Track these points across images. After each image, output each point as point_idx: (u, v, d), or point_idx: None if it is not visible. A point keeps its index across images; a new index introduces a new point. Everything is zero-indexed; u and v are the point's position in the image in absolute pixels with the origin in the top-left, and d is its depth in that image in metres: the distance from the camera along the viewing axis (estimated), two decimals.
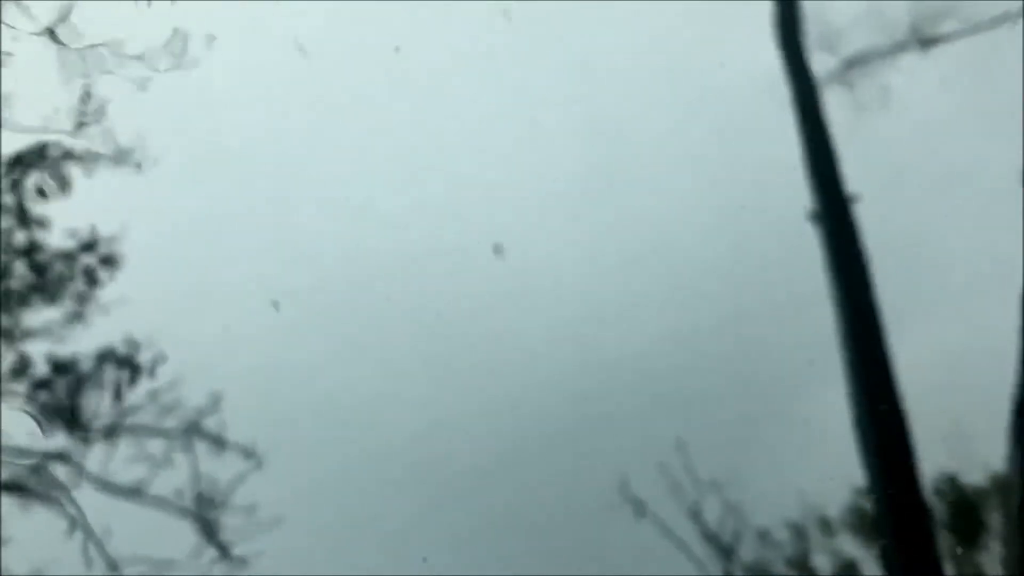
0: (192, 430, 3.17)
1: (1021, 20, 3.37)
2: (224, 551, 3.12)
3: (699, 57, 3.40)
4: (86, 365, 3.22)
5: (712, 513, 3.18)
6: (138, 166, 3.34)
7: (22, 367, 3.21)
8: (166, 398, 3.20)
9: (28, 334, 3.25)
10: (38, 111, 3.37)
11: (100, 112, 3.36)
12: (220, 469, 3.18)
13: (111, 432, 3.18)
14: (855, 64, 3.43)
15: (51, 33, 3.38)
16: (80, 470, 3.15)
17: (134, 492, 3.14)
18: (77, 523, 3.12)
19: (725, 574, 3.17)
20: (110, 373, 3.20)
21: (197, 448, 3.17)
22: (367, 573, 3.08)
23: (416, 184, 3.38)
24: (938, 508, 3.19)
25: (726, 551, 3.17)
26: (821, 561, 3.21)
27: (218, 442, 3.17)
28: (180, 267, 3.30)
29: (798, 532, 3.20)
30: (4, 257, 3.29)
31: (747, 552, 3.18)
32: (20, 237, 3.31)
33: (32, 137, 3.36)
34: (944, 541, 3.17)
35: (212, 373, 3.22)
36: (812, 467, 3.20)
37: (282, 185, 3.37)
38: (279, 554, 3.13)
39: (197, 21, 3.42)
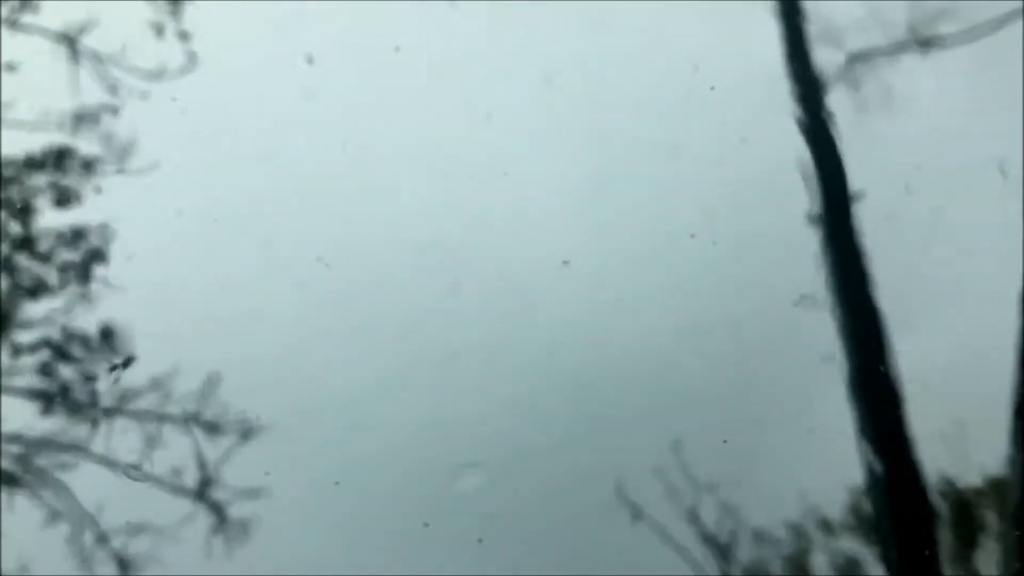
0: (192, 417, 3.19)
1: (1022, 20, 3.36)
2: (222, 518, 3.13)
3: (700, 56, 3.40)
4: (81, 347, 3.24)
5: (710, 515, 3.17)
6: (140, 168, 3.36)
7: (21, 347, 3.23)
8: (166, 384, 3.21)
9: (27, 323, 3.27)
10: (40, 110, 3.39)
11: (103, 113, 3.38)
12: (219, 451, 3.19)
13: (109, 414, 3.19)
14: (858, 62, 3.43)
15: (60, 36, 3.40)
16: (77, 451, 3.16)
17: (132, 469, 3.15)
18: (71, 507, 3.13)
19: None
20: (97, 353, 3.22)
21: (197, 431, 3.19)
22: (366, 573, 3.08)
23: (416, 184, 3.39)
24: (939, 509, 3.17)
25: (724, 553, 3.16)
26: (821, 563, 3.19)
27: (215, 427, 3.18)
28: (179, 265, 3.31)
29: (797, 533, 3.19)
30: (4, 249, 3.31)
31: (745, 554, 3.17)
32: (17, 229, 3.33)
33: (35, 137, 3.37)
34: (945, 542, 3.15)
35: (211, 371, 3.23)
36: (812, 468, 3.18)
37: (281, 185, 3.37)
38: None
39: (197, 20, 3.44)
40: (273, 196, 3.35)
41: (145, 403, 3.19)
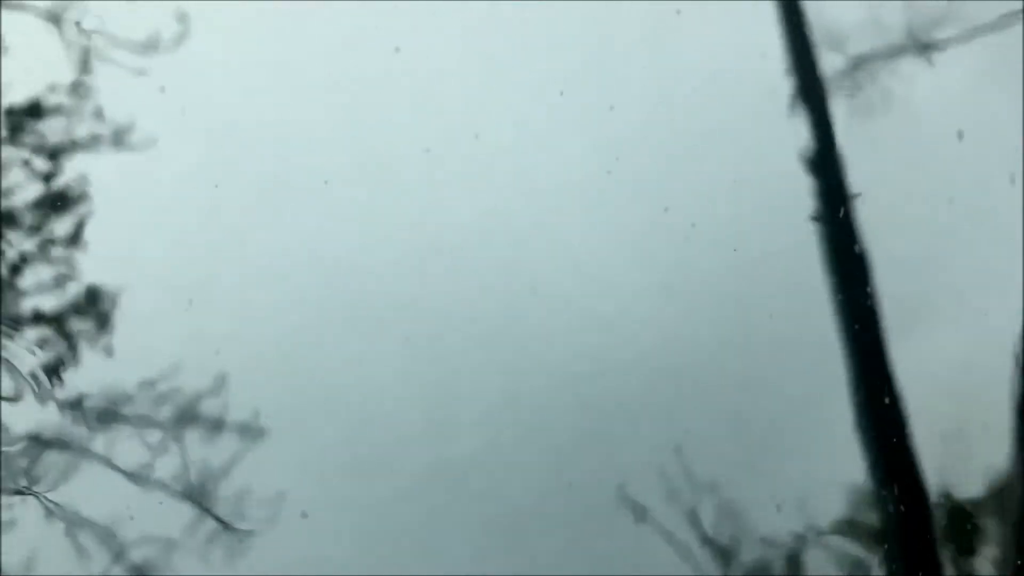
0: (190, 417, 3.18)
1: (1022, 21, 3.37)
2: (225, 525, 3.12)
3: (699, 56, 3.40)
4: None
5: (711, 517, 3.17)
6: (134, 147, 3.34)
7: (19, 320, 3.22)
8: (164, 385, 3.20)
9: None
10: (34, 89, 3.37)
11: (96, 93, 3.36)
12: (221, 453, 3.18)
13: (107, 417, 3.18)
14: (860, 64, 3.43)
15: (52, 17, 3.38)
16: (77, 451, 3.15)
17: (134, 476, 3.14)
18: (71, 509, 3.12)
19: None
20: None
21: (196, 433, 3.18)
22: (366, 573, 3.08)
23: (416, 184, 3.38)
24: (940, 511, 3.17)
25: (725, 555, 3.16)
26: (823, 564, 3.20)
27: (217, 425, 3.18)
28: (179, 265, 3.31)
29: (798, 536, 3.19)
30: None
31: (747, 555, 3.17)
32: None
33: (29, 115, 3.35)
34: (946, 544, 3.16)
35: (211, 369, 3.22)
36: (812, 469, 3.19)
37: (281, 185, 3.37)
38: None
39: (196, 18, 3.43)
40: (273, 196, 3.35)
41: (145, 403, 3.19)
